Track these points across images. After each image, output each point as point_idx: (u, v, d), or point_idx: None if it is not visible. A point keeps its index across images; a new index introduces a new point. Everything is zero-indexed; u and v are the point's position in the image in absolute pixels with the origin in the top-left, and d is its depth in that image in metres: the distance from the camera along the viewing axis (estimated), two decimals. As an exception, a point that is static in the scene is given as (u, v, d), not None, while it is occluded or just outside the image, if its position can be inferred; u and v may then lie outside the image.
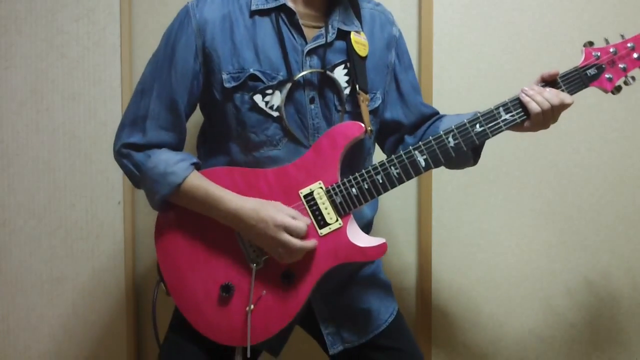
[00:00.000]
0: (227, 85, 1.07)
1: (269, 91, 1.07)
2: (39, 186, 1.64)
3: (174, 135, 1.11)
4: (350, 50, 1.11)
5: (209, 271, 1.08)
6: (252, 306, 1.05)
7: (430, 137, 1.06)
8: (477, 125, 1.06)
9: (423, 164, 1.06)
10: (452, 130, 1.06)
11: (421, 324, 1.63)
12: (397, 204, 1.65)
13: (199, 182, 1.06)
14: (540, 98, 1.05)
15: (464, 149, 1.06)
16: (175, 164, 1.06)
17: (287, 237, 1.01)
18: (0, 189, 1.64)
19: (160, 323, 1.21)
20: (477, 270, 1.64)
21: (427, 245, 1.63)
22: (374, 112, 1.17)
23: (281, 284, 1.06)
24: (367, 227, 1.21)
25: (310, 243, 1.04)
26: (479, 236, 1.64)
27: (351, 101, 1.12)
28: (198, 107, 1.18)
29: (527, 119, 1.06)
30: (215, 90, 1.09)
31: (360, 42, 1.13)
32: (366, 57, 1.14)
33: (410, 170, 1.06)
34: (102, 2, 1.62)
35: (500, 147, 1.61)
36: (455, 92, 1.61)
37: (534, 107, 1.04)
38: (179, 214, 1.10)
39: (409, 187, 1.64)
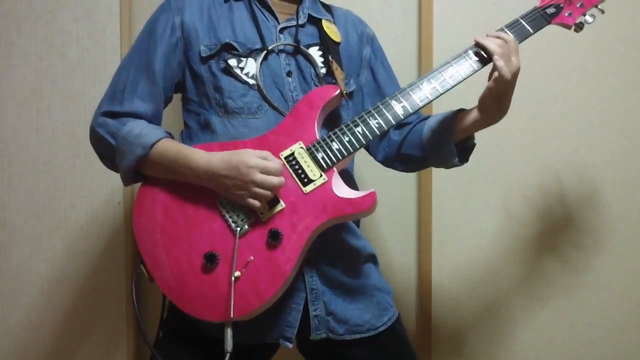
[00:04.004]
0: (203, 54, 1.11)
1: (243, 58, 1.11)
2: (39, 186, 1.64)
3: (150, 105, 1.11)
4: (323, 35, 1.16)
5: (191, 244, 1.04)
6: (236, 273, 1.00)
7: (406, 86, 1.09)
8: (450, 68, 1.10)
9: (401, 111, 1.08)
10: (426, 76, 1.09)
11: (421, 324, 1.63)
12: (397, 204, 1.65)
13: (171, 144, 1.06)
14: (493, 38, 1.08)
15: (441, 93, 1.09)
16: (150, 129, 1.07)
17: (262, 176, 0.99)
18: (0, 189, 1.64)
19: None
20: (477, 270, 1.64)
21: (427, 245, 1.63)
22: (349, 96, 1.19)
23: (269, 247, 1.02)
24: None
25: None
26: (479, 236, 1.64)
27: (328, 82, 1.15)
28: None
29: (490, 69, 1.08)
30: (194, 62, 1.12)
31: (332, 29, 1.18)
32: (339, 43, 1.19)
33: (390, 118, 1.07)
34: (102, 2, 1.62)
35: (500, 147, 1.61)
36: (454, 91, 1.60)
37: (492, 46, 1.06)
38: (156, 191, 1.08)
39: (409, 187, 1.65)
